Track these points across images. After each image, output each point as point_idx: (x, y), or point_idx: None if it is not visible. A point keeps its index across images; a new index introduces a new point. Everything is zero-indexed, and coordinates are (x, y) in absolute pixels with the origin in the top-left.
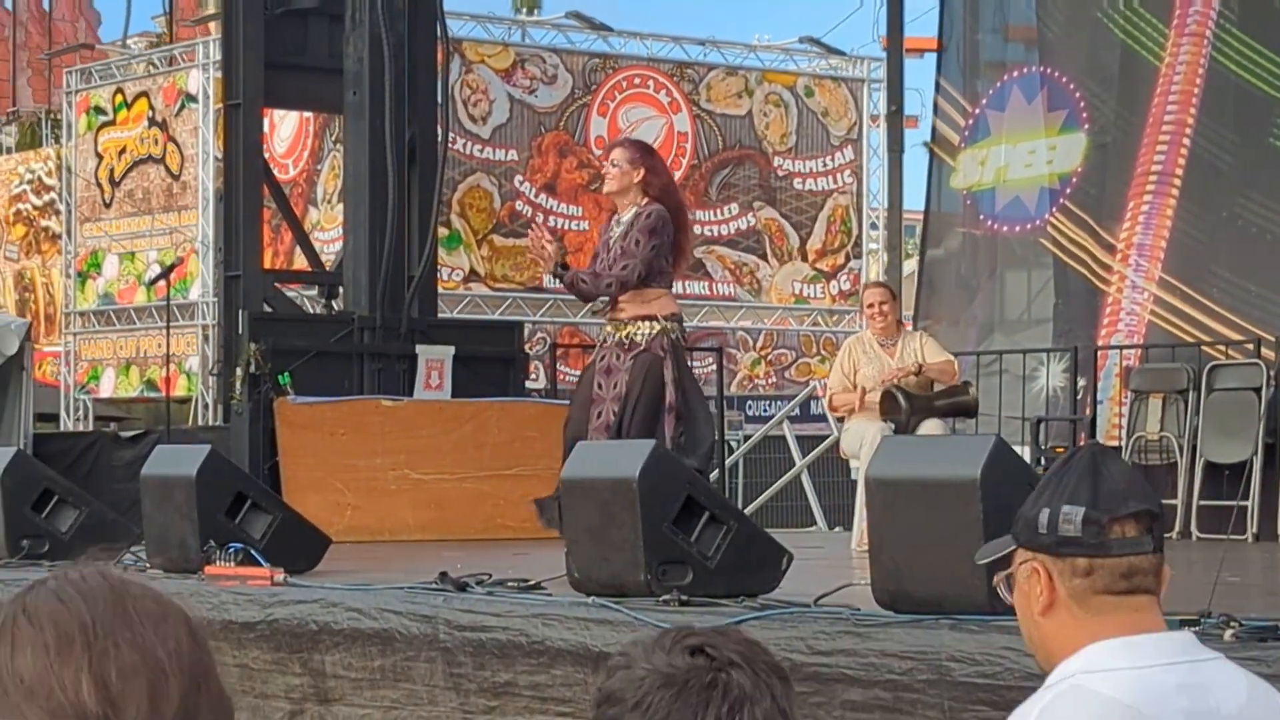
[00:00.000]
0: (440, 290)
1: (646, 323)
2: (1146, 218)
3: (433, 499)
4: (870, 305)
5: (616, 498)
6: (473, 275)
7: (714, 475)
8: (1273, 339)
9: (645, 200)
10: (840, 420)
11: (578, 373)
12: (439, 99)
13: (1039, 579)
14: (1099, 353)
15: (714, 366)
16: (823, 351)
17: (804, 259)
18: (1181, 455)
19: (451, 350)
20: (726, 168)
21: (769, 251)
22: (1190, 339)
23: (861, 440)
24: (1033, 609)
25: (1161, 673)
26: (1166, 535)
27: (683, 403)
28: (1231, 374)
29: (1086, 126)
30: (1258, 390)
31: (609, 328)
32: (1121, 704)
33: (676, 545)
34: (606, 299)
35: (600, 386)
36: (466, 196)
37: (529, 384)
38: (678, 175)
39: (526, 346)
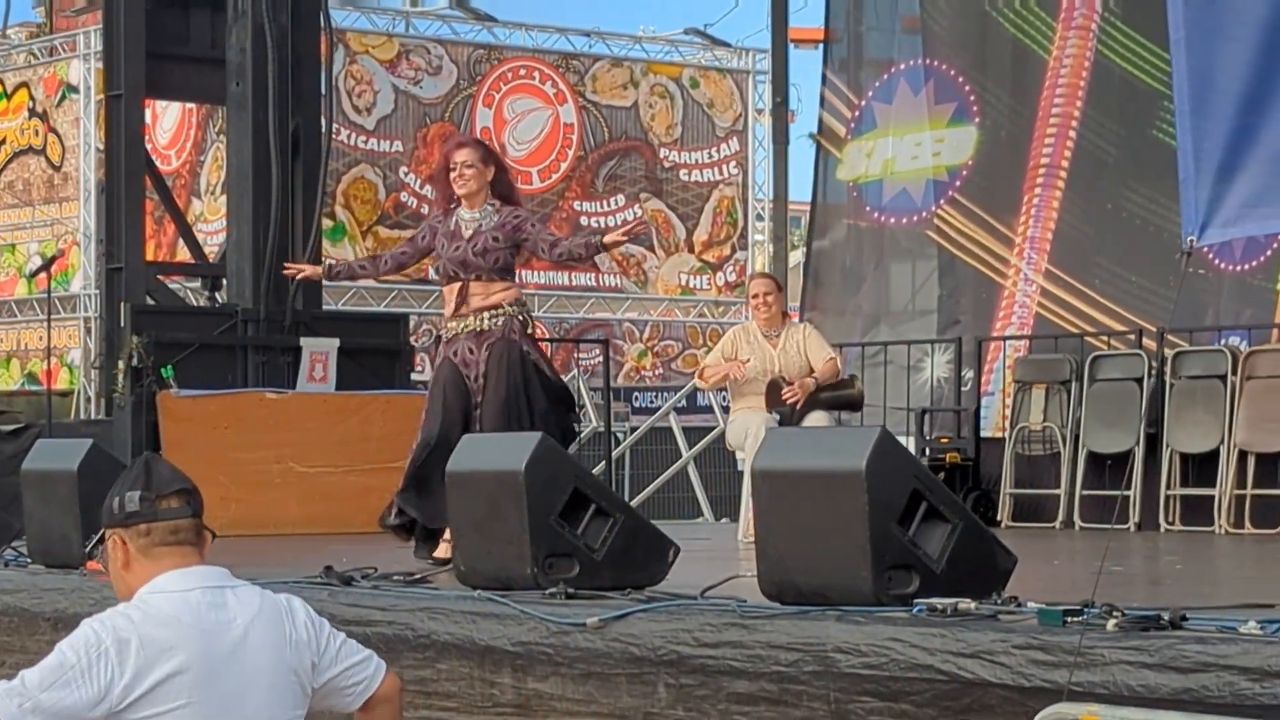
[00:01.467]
0: (325, 282)
1: (495, 312)
2: (1037, 210)
3: (318, 493)
4: (755, 296)
5: (503, 490)
6: None
7: (600, 468)
8: (1154, 329)
9: (497, 200)
10: (725, 410)
11: None
12: (323, 90)
13: (118, 545)
14: (989, 345)
15: (600, 358)
16: (709, 343)
17: (690, 250)
18: (1064, 445)
19: (336, 343)
20: (613, 159)
21: (656, 243)
22: (1074, 330)
23: (746, 432)
24: (117, 566)
25: (199, 594)
26: (1049, 525)
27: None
28: (1113, 364)
29: (977, 120)
30: (1139, 381)
31: (457, 324)
32: (165, 612)
33: (563, 538)
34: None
35: (468, 380)
36: (351, 188)
37: (415, 376)
38: (564, 167)
39: (412, 339)
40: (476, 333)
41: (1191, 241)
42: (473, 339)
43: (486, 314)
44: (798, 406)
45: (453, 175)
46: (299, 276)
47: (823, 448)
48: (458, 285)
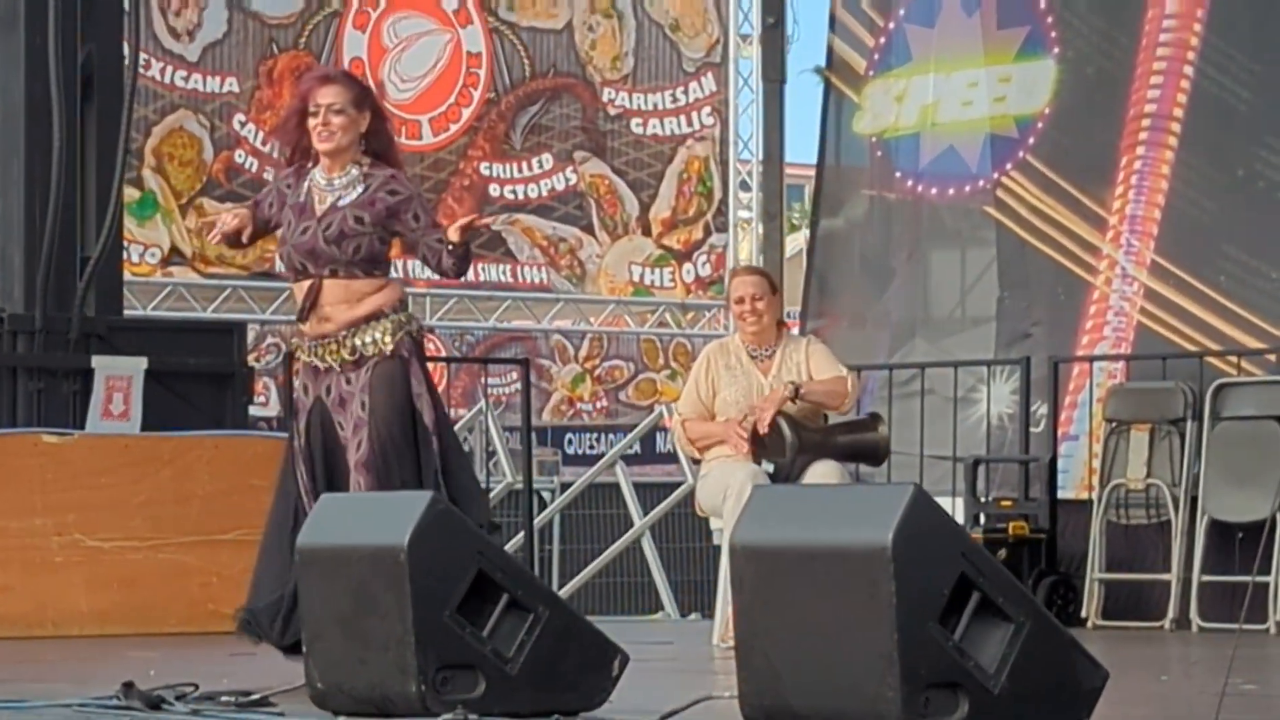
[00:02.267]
0: (128, 277)
1: (372, 325)
2: (1139, 179)
3: (116, 576)
4: (739, 300)
5: (377, 574)
6: (175, 256)
7: (517, 540)
8: None
9: (368, 160)
10: (697, 462)
11: None
12: (125, 4)
13: None
14: (1071, 368)
15: (518, 385)
16: (673, 364)
17: (646, 232)
18: (1177, 512)
19: (143, 363)
20: (536, 104)
21: (596, 222)
22: (1192, 347)
23: (725, 491)
24: None
25: None
26: (1155, 624)
27: (439, 426)
28: (1246, 396)
29: (1056, 50)
30: None
31: (319, 350)
32: None
33: (463, 642)
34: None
35: (341, 427)
36: (165, 144)
37: (255, 410)
38: (466, 114)
39: (252, 357)
40: (352, 361)
41: None
42: (351, 370)
43: (359, 330)
44: (763, 430)
45: (312, 123)
46: (219, 231)
47: (832, 514)
48: (306, 284)
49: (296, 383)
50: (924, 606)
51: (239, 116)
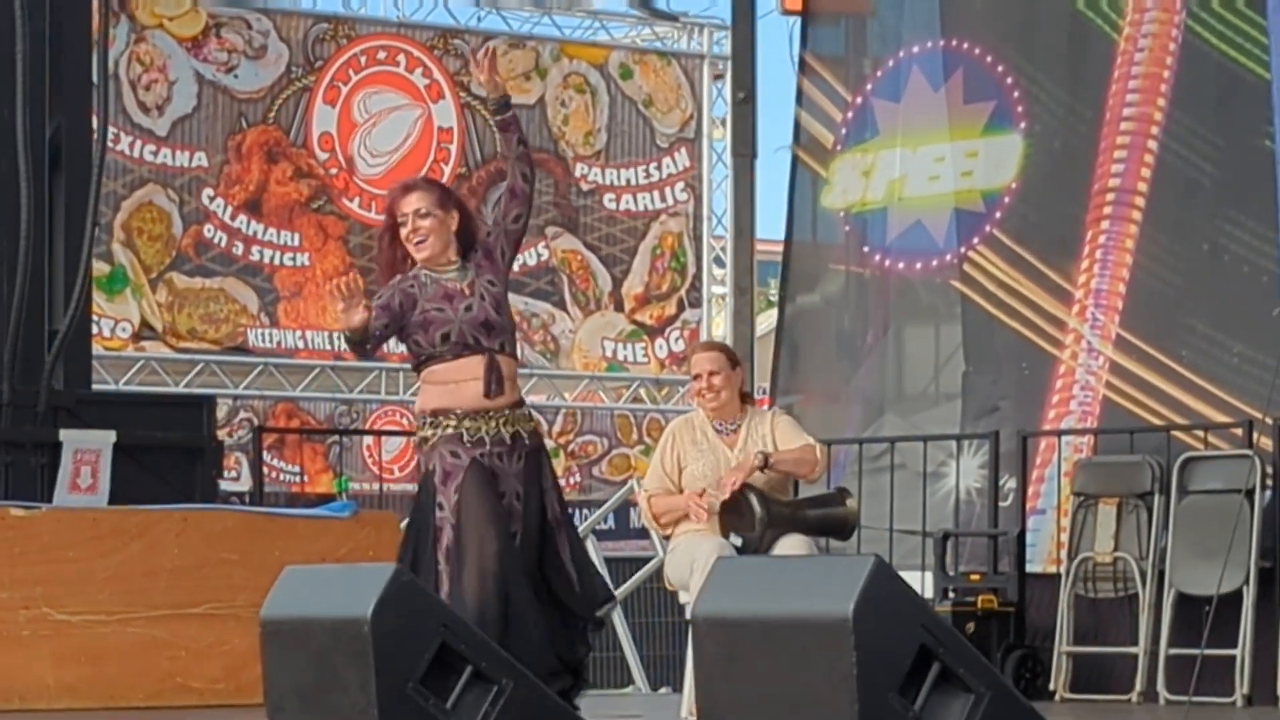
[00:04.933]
0: (100, 352)
1: (525, 408)
2: (1104, 253)
3: (83, 650)
4: (696, 377)
5: (339, 646)
6: (145, 330)
7: None
8: (1270, 421)
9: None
10: (667, 537)
11: (294, 469)
12: (95, 78)
13: None
14: (1038, 442)
15: None
16: (646, 439)
17: (619, 308)
18: (1144, 585)
19: (112, 436)
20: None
21: (569, 297)
22: (1157, 421)
23: (692, 565)
24: None
25: None
26: (1123, 696)
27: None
28: (1213, 470)
29: (1023, 125)
30: (1249, 494)
31: (480, 424)
32: None
33: (426, 714)
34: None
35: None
36: (134, 218)
37: (225, 485)
38: None
39: (224, 431)
40: (509, 441)
41: None
42: (502, 449)
43: (521, 412)
44: (727, 494)
45: (404, 233)
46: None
47: (793, 585)
48: (477, 359)
49: (435, 458)
50: (884, 677)
51: (208, 191)
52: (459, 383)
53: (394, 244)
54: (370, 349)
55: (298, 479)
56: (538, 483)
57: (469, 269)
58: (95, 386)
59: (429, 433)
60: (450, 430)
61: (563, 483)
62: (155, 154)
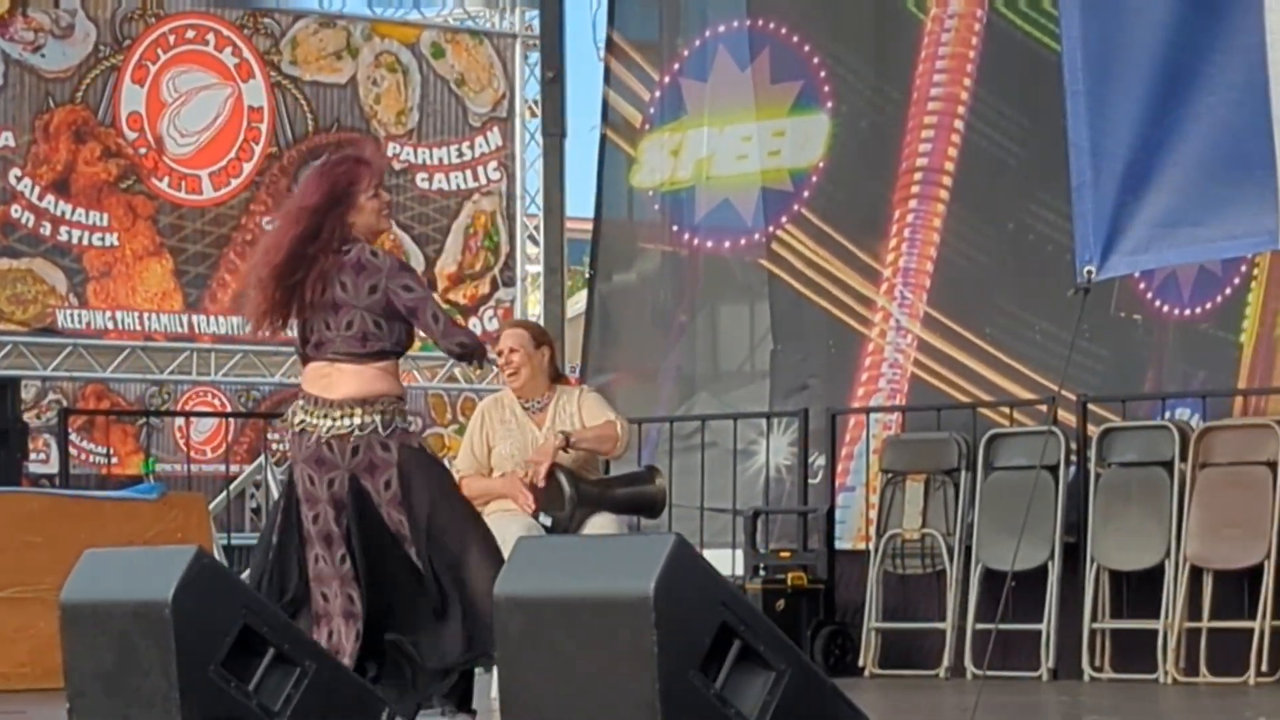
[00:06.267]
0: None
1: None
2: (912, 232)
3: None
4: (500, 354)
5: (140, 629)
6: None
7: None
8: (1074, 398)
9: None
10: None
11: (104, 451)
12: None
13: None
14: (847, 420)
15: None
16: (461, 418)
17: (432, 287)
18: (952, 561)
19: None
20: (320, 159)
21: None
22: (964, 398)
23: (502, 544)
24: None
25: None
26: (930, 672)
27: None
28: (1018, 446)
29: (830, 105)
30: (1054, 469)
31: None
32: None
33: (228, 696)
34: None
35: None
36: None
37: (35, 467)
38: (248, 169)
39: (32, 413)
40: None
41: (1090, 274)
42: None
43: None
44: (540, 482)
45: (373, 202)
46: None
47: (594, 564)
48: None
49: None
50: (685, 655)
51: (15, 171)
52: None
53: (331, 217)
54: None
55: (107, 461)
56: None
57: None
58: None
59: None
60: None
61: None
62: None
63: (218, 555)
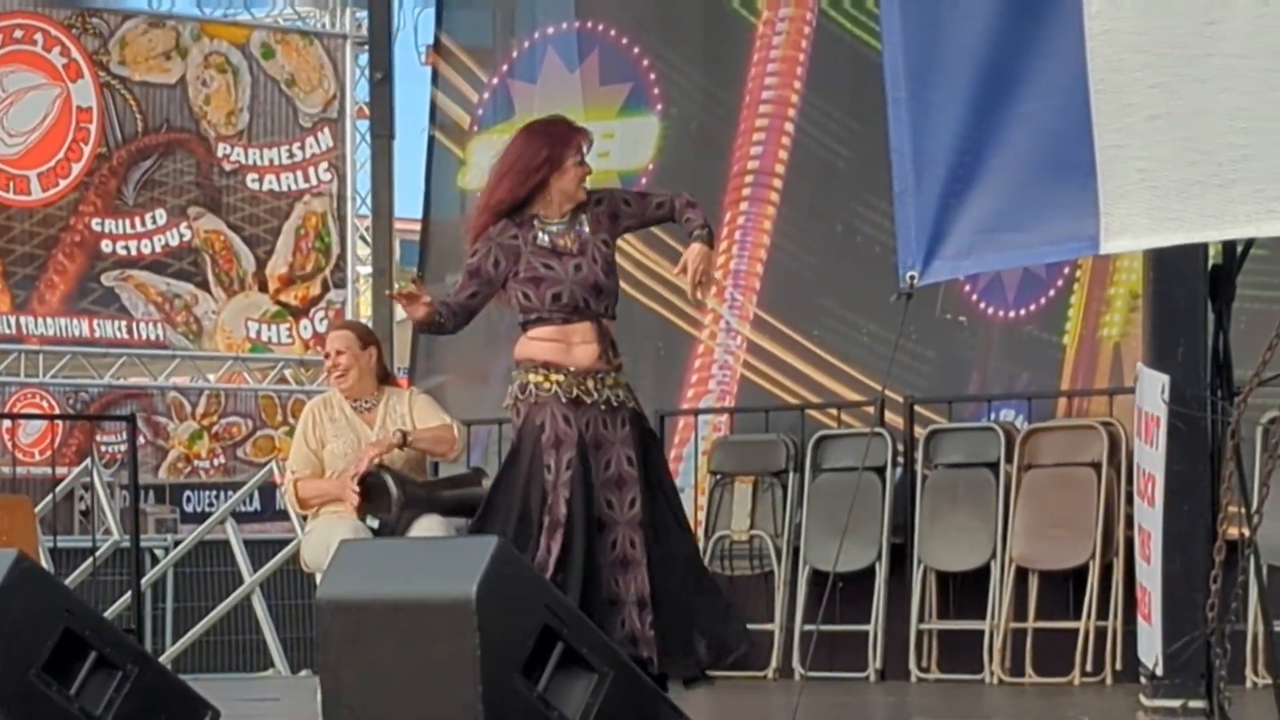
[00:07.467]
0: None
1: (621, 375)
2: (742, 234)
3: None
4: (326, 355)
5: None
6: None
7: (125, 600)
8: (900, 400)
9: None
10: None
11: (39, 452)
12: None
13: None
14: (675, 421)
15: (125, 444)
16: (291, 420)
17: (263, 288)
18: (780, 562)
19: None
20: (149, 159)
21: (212, 278)
22: (792, 400)
23: (329, 546)
24: None
25: None
26: (758, 673)
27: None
28: (845, 448)
29: (660, 107)
30: (880, 470)
31: (588, 382)
32: None
33: (49, 701)
34: None
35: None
36: None
37: None
38: (76, 170)
39: None
40: (610, 406)
41: (913, 279)
42: (607, 414)
43: (617, 377)
44: (359, 470)
45: (579, 172)
46: (401, 295)
47: (417, 567)
48: (584, 326)
49: (544, 415)
50: (508, 658)
51: None
52: (570, 344)
53: (543, 181)
54: (454, 328)
55: None
56: (659, 453)
57: (581, 222)
58: None
59: (539, 379)
60: (560, 387)
61: (206, 465)
62: None
63: (44, 558)
